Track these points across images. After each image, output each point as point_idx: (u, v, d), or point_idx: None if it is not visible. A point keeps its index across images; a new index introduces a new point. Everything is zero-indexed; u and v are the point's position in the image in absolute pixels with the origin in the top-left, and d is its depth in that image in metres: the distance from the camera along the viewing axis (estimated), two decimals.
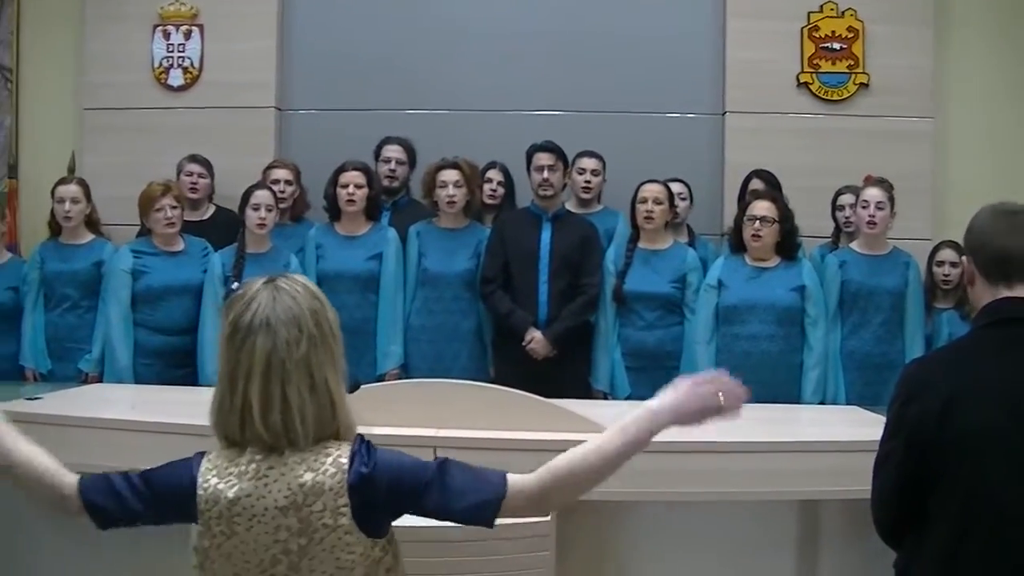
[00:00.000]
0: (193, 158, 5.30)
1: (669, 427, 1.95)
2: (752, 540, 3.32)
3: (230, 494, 1.85)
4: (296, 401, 1.86)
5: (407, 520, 1.97)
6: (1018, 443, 1.98)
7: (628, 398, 4.52)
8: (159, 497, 1.91)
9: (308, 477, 1.85)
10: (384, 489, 1.87)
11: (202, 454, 1.93)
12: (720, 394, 1.96)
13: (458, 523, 1.93)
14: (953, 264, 4.80)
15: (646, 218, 4.65)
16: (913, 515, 2.10)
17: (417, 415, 3.18)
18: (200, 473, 1.89)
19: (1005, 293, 2.12)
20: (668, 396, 1.96)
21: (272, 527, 1.85)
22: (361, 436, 1.94)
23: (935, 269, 4.86)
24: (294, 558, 1.85)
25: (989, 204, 2.19)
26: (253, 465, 1.87)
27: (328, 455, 1.87)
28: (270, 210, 4.66)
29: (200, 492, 1.87)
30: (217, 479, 1.87)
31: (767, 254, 4.52)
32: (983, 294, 2.17)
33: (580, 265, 4.68)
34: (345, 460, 1.87)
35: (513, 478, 1.91)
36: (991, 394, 2.02)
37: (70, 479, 1.93)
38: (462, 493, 1.90)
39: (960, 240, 4.69)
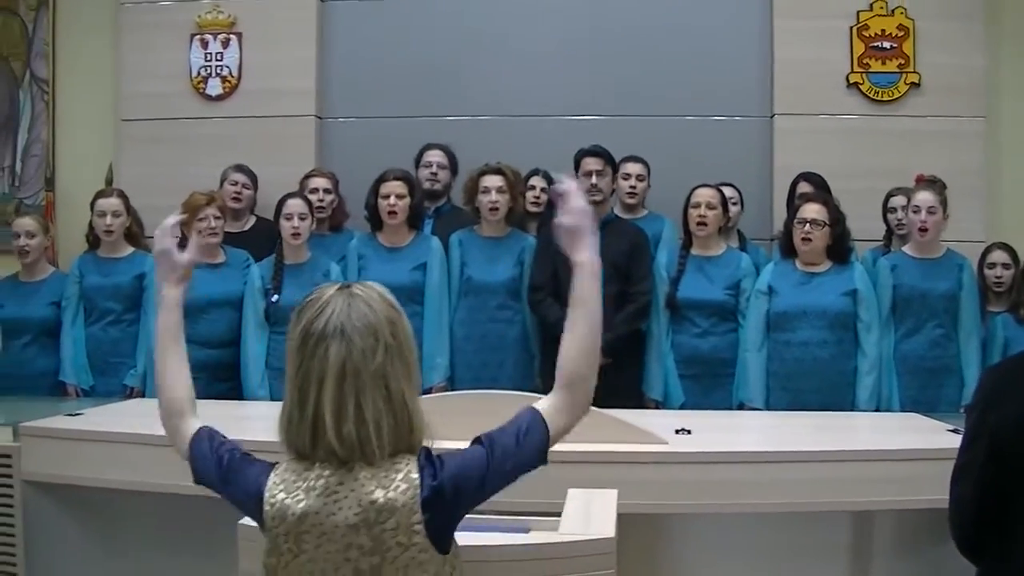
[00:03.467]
0: (239, 168, 5.27)
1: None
2: (805, 551, 3.28)
3: (298, 510, 1.78)
4: (371, 413, 1.79)
5: (473, 538, 1.95)
6: None
7: (682, 407, 4.43)
8: (234, 492, 1.91)
9: (379, 495, 1.77)
10: (452, 494, 1.81)
11: (272, 465, 1.87)
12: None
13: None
14: (1005, 266, 4.74)
15: (699, 223, 4.56)
16: (995, 528, 2.02)
17: (467, 428, 3.11)
18: (268, 488, 1.82)
19: None
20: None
21: (342, 545, 1.78)
22: (424, 447, 1.87)
23: (986, 271, 4.77)
24: None
25: None
26: (322, 481, 1.79)
27: (398, 471, 1.80)
28: (303, 218, 4.58)
29: (267, 508, 1.81)
30: (284, 494, 1.81)
31: (818, 258, 4.41)
32: None
33: (630, 272, 4.58)
34: (416, 475, 1.80)
35: (543, 408, 1.92)
36: None
37: (193, 426, 2.02)
38: (515, 460, 1.88)
39: (1011, 241, 4.69)
